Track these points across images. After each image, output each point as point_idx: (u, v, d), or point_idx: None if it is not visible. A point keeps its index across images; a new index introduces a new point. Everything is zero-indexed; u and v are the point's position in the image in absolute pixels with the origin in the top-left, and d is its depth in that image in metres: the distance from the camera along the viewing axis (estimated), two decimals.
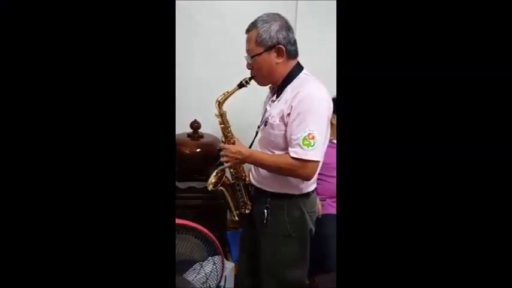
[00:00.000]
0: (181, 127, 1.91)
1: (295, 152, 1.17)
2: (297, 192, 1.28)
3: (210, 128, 1.95)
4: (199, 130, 1.92)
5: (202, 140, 1.89)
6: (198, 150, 1.86)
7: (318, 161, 1.19)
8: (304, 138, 1.14)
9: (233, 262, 1.79)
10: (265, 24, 1.20)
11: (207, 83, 2.07)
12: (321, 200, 1.70)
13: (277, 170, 1.25)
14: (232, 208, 1.44)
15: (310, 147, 1.14)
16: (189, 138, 1.89)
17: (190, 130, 1.91)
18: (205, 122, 1.92)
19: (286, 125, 1.21)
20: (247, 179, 1.41)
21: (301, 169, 1.17)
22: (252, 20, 1.30)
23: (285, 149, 1.23)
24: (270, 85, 1.36)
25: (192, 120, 1.90)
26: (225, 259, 1.33)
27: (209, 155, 1.89)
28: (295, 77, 1.24)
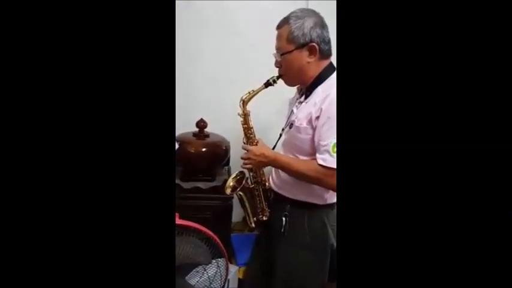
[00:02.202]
0: (187, 126, 1.82)
1: (323, 159, 1.07)
2: (320, 202, 1.18)
3: (217, 128, 1.87)
4: (206, 129, 1.82)
5: (208, 140, 1.80)
6: (204, 149, 1.77)
7: None
8: (334, 145, 1.04)
9: (237, 266, 1.71)
10: (299, 21, 1.11)
11: (215, 82, 1.99)
12: None
13: (303, 177, 1.14)
14: (250, 214, 1.35)
15: None
16: (194, 138, 1.79)
17: (196, 129, 1.82)
18: (212, 121, 1.83)
19: (314, 128, 1.11)
20: (267, 183, 1.31)
21: (329, 178, 1.06)
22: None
23: (311, 154, 1.13)
24: (298, 85, 1.27)
25: (198, 119, 1.81)
26: (229, 262, 1.27)
27: (215, 155, 1.81)
28: (327, 78, 1.14)
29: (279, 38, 1.16)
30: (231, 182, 1.35)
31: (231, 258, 1.76)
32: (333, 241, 1.21)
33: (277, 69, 1.23)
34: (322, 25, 1.13)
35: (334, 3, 0.73)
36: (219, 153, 1.83)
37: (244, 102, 1.24)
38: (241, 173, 1.34)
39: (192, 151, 1.77)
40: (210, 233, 1.12)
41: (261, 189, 1.32)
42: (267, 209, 1.33)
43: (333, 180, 1.04)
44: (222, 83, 2.01)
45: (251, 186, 1.33)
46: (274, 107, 2.00)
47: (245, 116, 1.26)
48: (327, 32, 1.15)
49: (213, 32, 1.96)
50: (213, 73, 2.00)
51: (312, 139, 1.12)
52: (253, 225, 1.36)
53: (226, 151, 1.86)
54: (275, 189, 1.28)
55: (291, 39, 1.12)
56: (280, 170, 1.23)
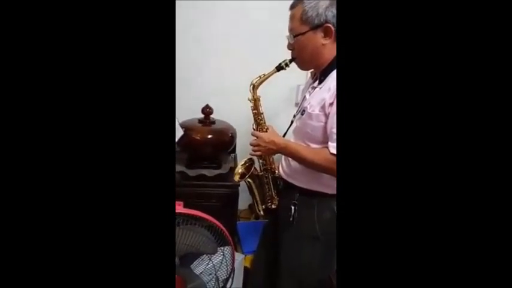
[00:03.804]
0: (192, 113, 1.78)
1: (335, 147, 1.00)
2: (330, 192, 1.13)
3: (222, 115, 1.83)
4: (212, 116, 1.78)
5: (214, 126, 1.75)
6: (210, 136, 1.72)
7: None
8: None
9: (243, 254, 1.68)
10: (313, 0, 1.04)
11: (220, 69, 1.93)
12: None
13: (313, 166, 1.09)
14: (259, 202, 1.30)
15: None
16: (200, 124, 1.74)
17: (201, 116, 1.77)
18: (217, 108, 1.78)
19: (327, 115, 1.04)
20: (276, 171, 1.26)
21: None
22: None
23: (323, 143, 1.07)
24: (311, 70, 1.20)
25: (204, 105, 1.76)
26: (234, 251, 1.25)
27: (221, 142, 1.76)
28: None
29: (292, 18, 1.09)
30: (239, 169, 1.30)
31: (236, 246, 1.75)
32: None
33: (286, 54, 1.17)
34: None
35: None
36: (225, 140, 1.78)
37: (255, 87, 1.18)
38: (250, 160, 1.29)
39: (198, 138, 1.72)
40: (215, 221, 1.09)
41: (270, 177, 1.27)
42: (275, 197, 1.29)
43: None
44: (228, 70, 1.96)
45: (260, 174, 1.28)
46: (283, 93, 1.97)
47: (255, 101, 1.20)
48: None
49: (219, 19, 1.90)
50: (218, 60, 1.94)
51: (325, 127, 1.06)
52: (261, 213, 1.31)
53: (233, 138, 1.80)
54: (284, 177, 1.23)
55: (304, 19, 1.05)
56: (290, 158, 1.18)
